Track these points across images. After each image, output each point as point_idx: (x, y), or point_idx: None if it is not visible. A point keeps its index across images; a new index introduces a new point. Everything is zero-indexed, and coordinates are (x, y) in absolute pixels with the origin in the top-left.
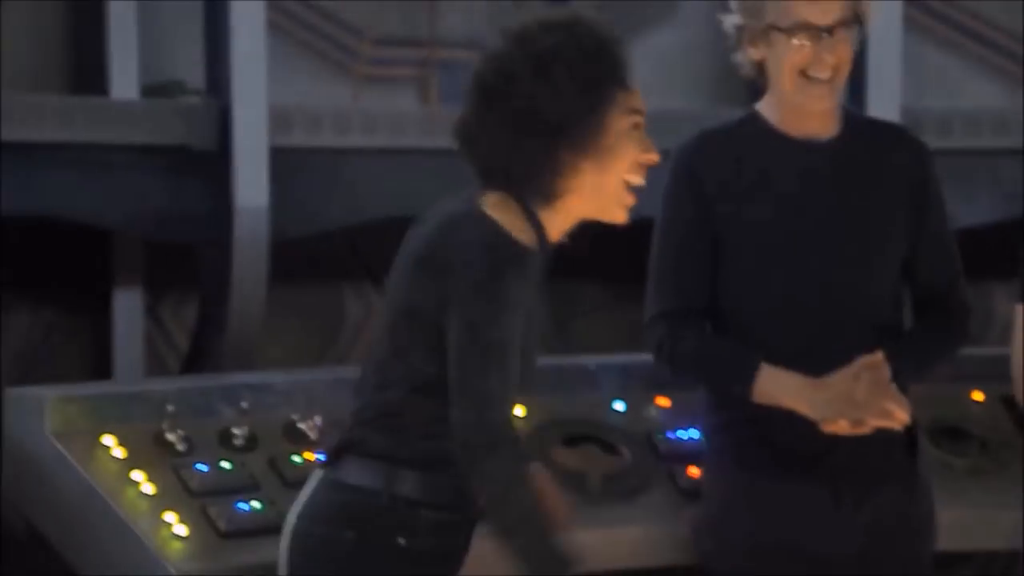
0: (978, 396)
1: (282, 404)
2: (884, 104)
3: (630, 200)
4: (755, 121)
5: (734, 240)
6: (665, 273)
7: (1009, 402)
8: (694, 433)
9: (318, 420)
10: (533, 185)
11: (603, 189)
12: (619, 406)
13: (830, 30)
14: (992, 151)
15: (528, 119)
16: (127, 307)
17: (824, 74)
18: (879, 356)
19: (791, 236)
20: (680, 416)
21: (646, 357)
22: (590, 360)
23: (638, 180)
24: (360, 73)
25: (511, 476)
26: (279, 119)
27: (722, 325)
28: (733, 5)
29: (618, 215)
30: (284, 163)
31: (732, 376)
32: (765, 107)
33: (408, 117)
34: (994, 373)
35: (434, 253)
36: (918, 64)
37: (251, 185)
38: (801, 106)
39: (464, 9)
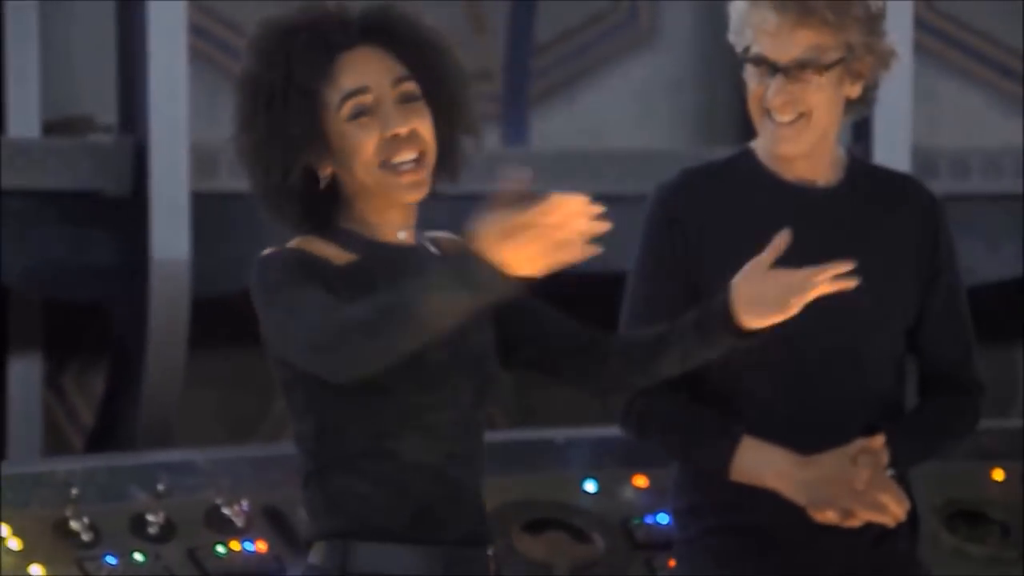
0: (999, 475)
1: (204, 486)
2: (892, 142)
3: (407, 178)
4: (747, 160)
5: (716, 287)
6: (636, 325)
7: None
8: None
9: (245, 505)
10: (306, 214)
11: (366, 184)
12: (590, 486)
13: (787, 69)
14: (1016, 196)
15: (255, 153)
16: (24, 375)
17: (783, 116)
18: (879, 440)
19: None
20: (660, 498)
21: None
22: (557, 433)
23: (401, 156)
24: None
25: (361, 350)
26: (202, 160)
27: (702, 383)
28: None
29: (403, 196)
30: (207, 210)
31: (708, 448)
32: (757, 144)
33: None
34: (1017, 449)
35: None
36: (931, 97)
37: (170, 235)
38: (770, 149)
39: None
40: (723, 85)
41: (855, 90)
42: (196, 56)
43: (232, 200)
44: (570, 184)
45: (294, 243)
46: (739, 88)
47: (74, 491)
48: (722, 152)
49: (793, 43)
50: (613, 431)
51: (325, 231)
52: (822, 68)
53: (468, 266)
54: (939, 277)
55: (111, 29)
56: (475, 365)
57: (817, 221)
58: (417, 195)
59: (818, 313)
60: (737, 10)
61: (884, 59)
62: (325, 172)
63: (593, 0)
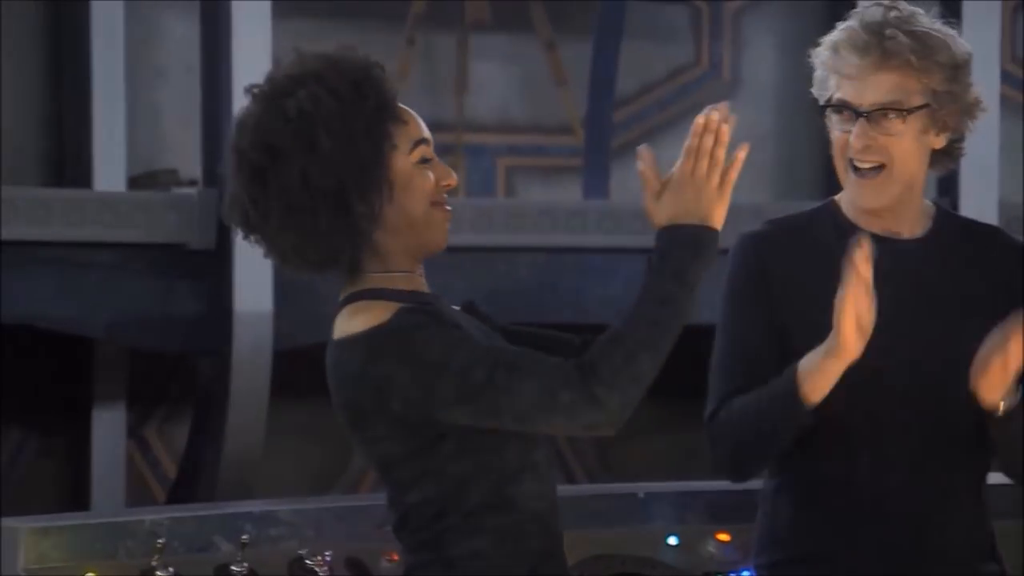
0: None
1: (287, 537)
2: (979, 197)
3: (442, 220)
4: (830, 212)
5: (801, 342)
6: (726, 371)
7: None
8: None
9: (328, 555)
10: (339, 260)
11: (410, 228)
12: (672, 541)
13: (868, 114)
14: None
15: (305, 192)
16: (108, 426)
17: (864, 163)
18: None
19: (866, 347)
20: (742, 554)
21: (704, 484)
22: (639, 487)
23: (443, 209)
24: None
25: (625, 371)
26: None
27: None
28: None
29: (439, 240)
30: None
31: (776, 396)
32: (842, 197)
33: None
34: None
35: (355, 410)
36: (1016, 150)
37: (253, 287)
38: (855, 200)
39: (495, 87)
40: (805, 138)
41: (940, 141)
42: None
43: None
44: (650, 238)
45: (362, 311)
46: (821, 141)
47: (160, 541)
48: (805, 206)
49: (875, 87)
50: (695, 485)
51: (363, 295)
52: (904, 113)
53: (688, 239)
54: None
55: (195, 84)
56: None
57: (900, 274)
58: (445, 241)
59: (900, 362)
60: (820, 58)
61: (970, 109)
62: (366, 212)
63: (675, 53)
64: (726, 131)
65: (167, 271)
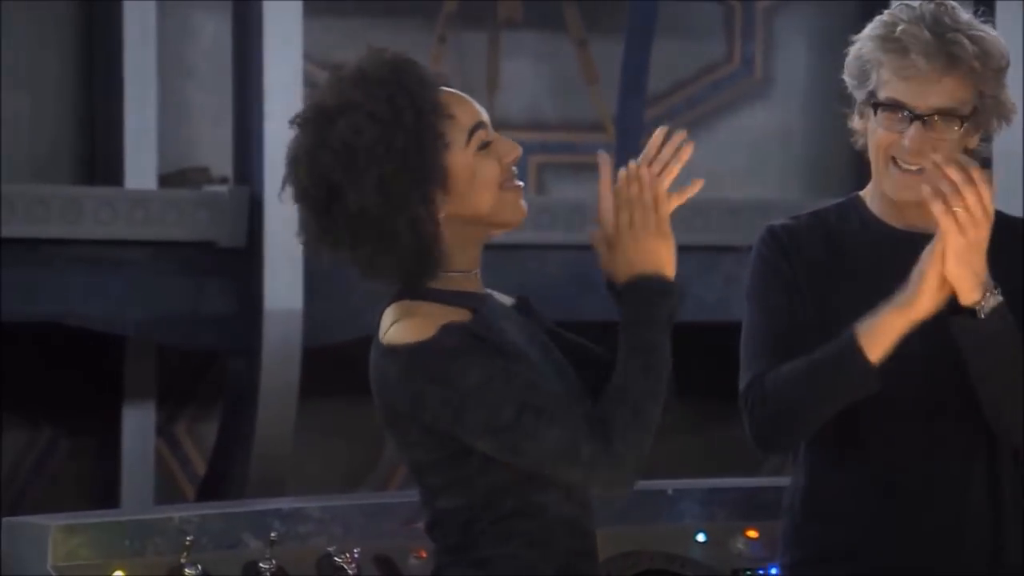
0: None
1: (316, 534)
2: (1006, 194)
3: (516, 200)
4: (854, 208)
5: (823, 332)
6: (760, 343)
7: None
8: None
9: (356, 552)
10: (419, 258)
11: (479, 219)
12: (701, 537)
13: (924, 117)
14: None
15: (365, 221)
16: (138, 424)
17: (913, 164)
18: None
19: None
20: (770, 550)
21: (732, 481)
22: (668, 484)
23: (513, 183)
24: None
25: (639, 428)
26: None
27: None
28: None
29: (513, 217)
30: (321, 261)
31: (833, 355)
32: (867, 192)
33: None
34: None
35: (390, 413)
36: None
37: (283, 285)
38: (891, 195)
39: (527, 86)
40: (835, 136)
41: (974, 142)
42: None
43: None
44: (682, 235)
45: (410, 316)
46: (851, 138)
47: (188, 538)
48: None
49: (938, 92)
50: (724, 482)
51: (413, 294)
52: (960, 119)
53: (647, 293)
54: None
55: (227, 82)
56: (582, 401)
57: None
58: (520, 218)
59: (921, 355)
60: (865, 51)
61: (1007, 113)
62: (441, 214)
63: (706, 51)
64: (686, 150)
65: (198, 269)
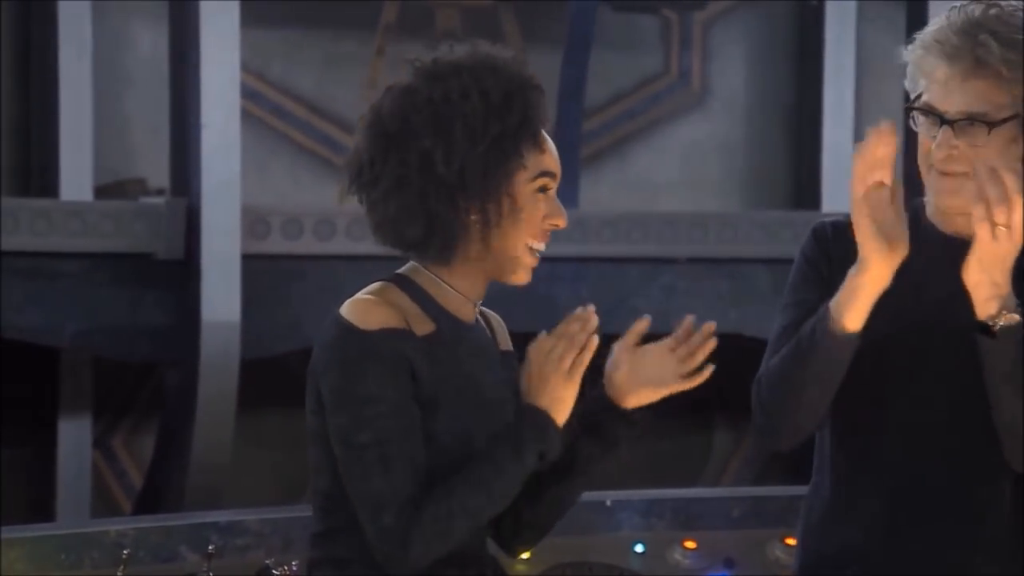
0: None
1: (254, 547)
2: None
3: (533, 262)
4: (914, 211)
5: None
6: (775, 342)
7: None
8: None
9: (295, 565)
10: (426, 246)
11: (504, 252)
12: (639, 548)
13: (953, 122)
14: None
15: (422, 174)
16: (74, 436)
17: (947, 168)
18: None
19: (914, 351)
20: (711, 559)
21: (671, 492)
22: (607, 495)
23: (540, 245)
24: None
25: (438, 533)
26: (254, 222)
27: (835, 437)
28: None
29: (521, 277)
30: (259, 272)
31: (808, 327)
32: (927, 197)
33: None
34: None
35: (312, 358)
36: None
37: (221, 297)
38: (934, 201)
39: None
40: (774, 147)
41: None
42: (248, 120)
43: (283, 262)
44: (620, 246)
45: (378, 299)
46: (790, 150)
47: (125, 552)
48: (774, 214)
49: (962, 95)
50: (662, 493)
51: (402, 284)
52: (991, 124)
53: (533, 422)
54: None
55: (164, 93)
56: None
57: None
58: (523, 282)
59: (944, 363)
60: (911, 56)
61: None
62: (472, 217)
63: (644, 63)
64: (593, 333)
65: (134, 281)
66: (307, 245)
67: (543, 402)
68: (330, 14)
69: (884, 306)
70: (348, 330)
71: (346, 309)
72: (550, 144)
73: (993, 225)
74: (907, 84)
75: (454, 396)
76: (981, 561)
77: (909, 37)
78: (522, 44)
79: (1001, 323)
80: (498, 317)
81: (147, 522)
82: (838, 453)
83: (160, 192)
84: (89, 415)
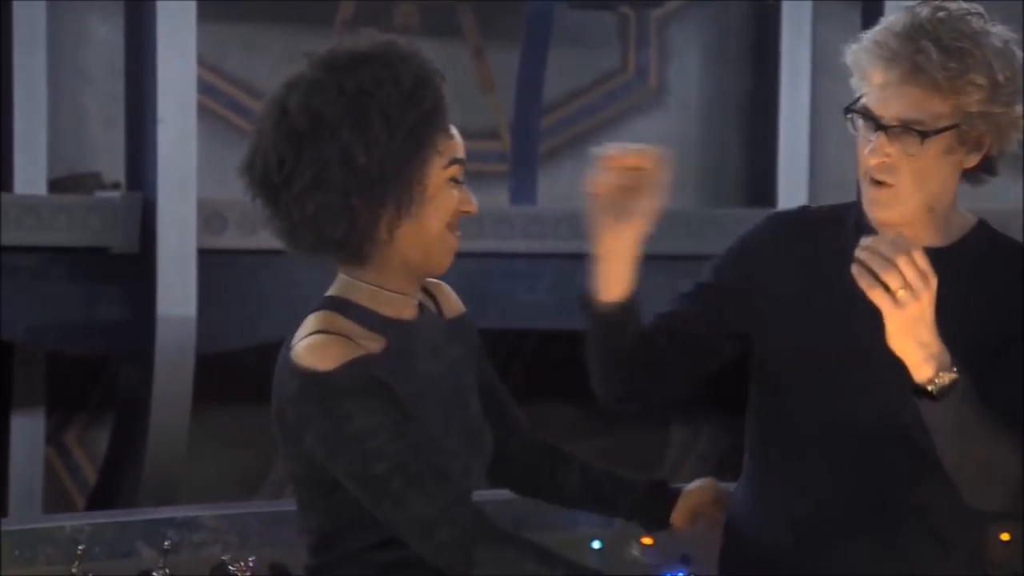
0: (1005, 536)
1: (210, 542)
2: None
3: (453, 245)
4: (855, 212)
5: (776, 328)
6: (662, 315)
7: None
8: None
9: (251, 561)
10: (347, 245)
11: (421, 241)
12: (596, 545)
13: (888, 128)
14: None
15: (338, 169)
16: (27, 432)
17: (882, 176)
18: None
19: (839, 360)
20: (668, 555)
21: None
22: None
23: (455, 233)
24: None
25: (507, 562)
26: (210, 217)
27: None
28: None
29: (443, 264)
30: (215, 267)
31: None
32: None
33: None
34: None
35: (280, 422)
36: None
37: (176, 292)
38: (865, 210)
39: None
40: (730, 145)
41: (972, 160)
42: (205, 114)
43: (239, 257)
44: (578, 243)
45: (325, 335)
46: (746, 148)
47: (80, 547)
48: (730, 213)
49: (898, 101)
50: None
51: (340, 307)
52: (924, 134)
53: None
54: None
55: (119, 87)
56: (481, 441)
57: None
58: (446, 267)
59: (886, 379)
60: (852, 56)
61: (1006, 132)
62: (387, 209)
63: (601, 60)
64: None
65: (89, 275)
66: (263, 240)
67: None
68: (288, 9)
69: (812, 315)
70: (312, 377)
71: (300, 356)
72: (456, 132)
73: (891, 293)
74: (852, 83)
75: (420, 403)
76: (900, 570)
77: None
78: (480, 40)
79: (939, 383)
80: (442, 284)
81: (102, 518)
82: (760, 459)
83: (115, 186)
84: (42, 410)
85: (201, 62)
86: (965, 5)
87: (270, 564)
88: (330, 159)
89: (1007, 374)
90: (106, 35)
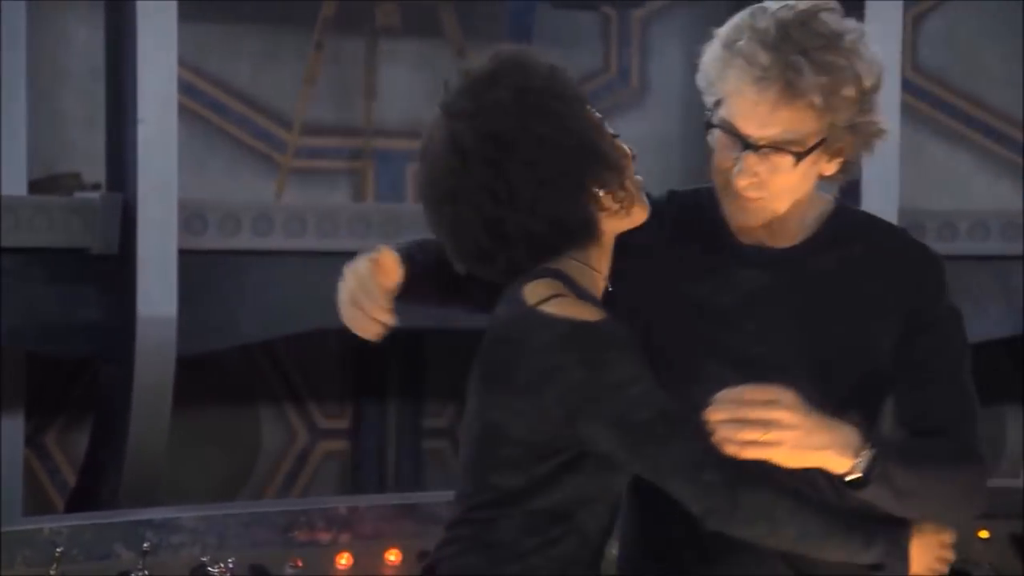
0: (984, 534)
1: (189, 544)
2: (880, 204)
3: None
4: (714, 204)
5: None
6: None
7: (1020, 541)
8: None
9: (231, 562)
10: (587, 233)
11: (629, 213)
12: None
13: (759, 148)
14: (1002, 257)
15: (551, 166)
16: (6, 434)
17: (751, 193)
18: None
19: (697, 370)
20: None
21: None
22: None
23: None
24: (286, 165)
25: (767, 508)
26: (190, 217)
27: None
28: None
29: (641, 215)
30: (195, 267)
31: None
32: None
33: (340, 215)
34: (1003, 508)
35: (508, 374)
36: (919, 160)
37: (157, 293)
38: (730, 217)
39: (404, 93)
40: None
41: (831, 167)
42: (185, 115)
43: (220, 258)
44: None
45: (574, 295)
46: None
47: (59, 550)
48: None
49: (771, 123)
50: None
51: (561, 279)
52: (799, 155)
53: (886, 553)
54: (919, 336)
55: (100, 87)
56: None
57: (771, 283)
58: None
59: (768, 368)
60: (711, 60)
61: (868, 139)
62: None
63: (583, 60)
64: None
65: (69, 276)
66: (245, 241)
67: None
68: (268, 9)
69: (670, 320)
70: (579, 326)
71: (557, 308)
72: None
73: (756, 445)
74: (699, 81)
75: None
76: (787, 570)
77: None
78: (462, 41)
79: (863, 468)
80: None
81: (81, 520)
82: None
83: (96, 187)
84: (22, 412)
85: (182, 62)
86: (820, 2)
87: (249, 565)
88: (540, 161)
89: (921, 381)
90: (86, 36)
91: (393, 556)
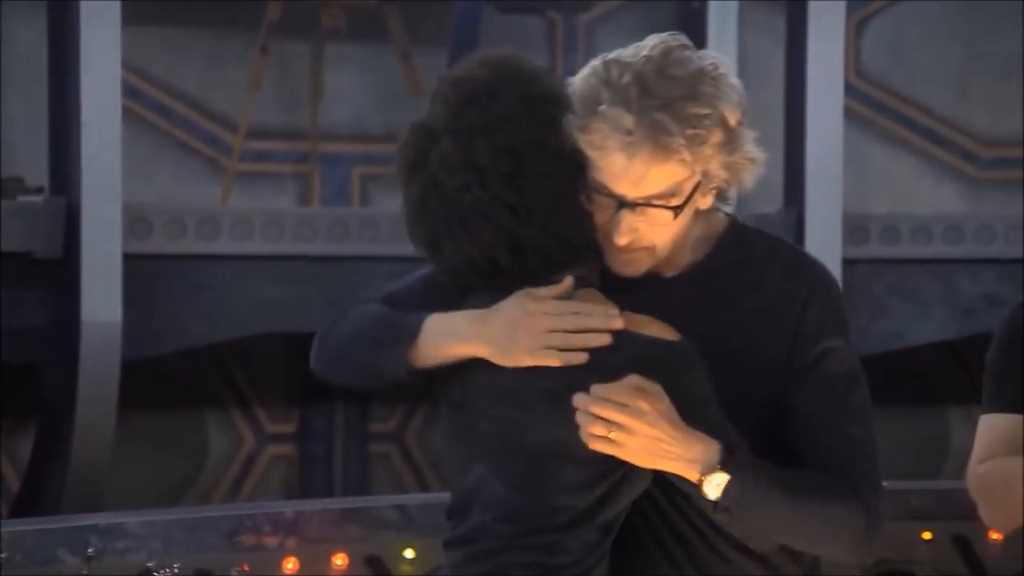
0: (927, 535)
1: (134, 549)
2: (823, 209)
3: None
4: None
5: None
6: None
7: (962, 542)
8: None
9: (176, 567)
10: (583, 249)
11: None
12: None
13: (635, 205)
14: (945, 261)
15: (562, 174)
16: None
17: (633, 247)
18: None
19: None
20: None
21: None
22: None
23: None
24: (231, 168)
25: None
26: (135, 221)
27: None
28: None
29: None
30: (140, 271)
31: (390, 334)
32: None
33: (286, 219)
34: (946, 510)
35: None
36: (862, 164)
37: (101, 297)
38: (613, 267)
39: (350, 97)
40: None
41: (706, 201)
42: (130, 118)
43: (165, 262)
44: None
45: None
46: None
47: (2, 555)
48: None
49: (645, 183)
50: None
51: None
52: (678, 208)
53: None
54: (799, 387)
55: (42, 89)
56: None
57: (658, 311)
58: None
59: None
60: (571, 117)
61: (739, 173)
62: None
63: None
64: None
65: (13, 280)
66: (190, 245)
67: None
68: (213, 12)
69: None
70: (664, 346)
71: (635, 326)
72: None
73: (609, 440)
74: (574, 128)
75: None
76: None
77: (789, 40)
78: (407, 44)
79: (719, 495)
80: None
81: (24, 525)
82: None
83: (39, 190)
84: None
85: (126, 65)
86: (670, 40)
87: (195, 570)
88: (551, 172)
89: (809, 429)
90: (28, 37)
91: (340, 560)
